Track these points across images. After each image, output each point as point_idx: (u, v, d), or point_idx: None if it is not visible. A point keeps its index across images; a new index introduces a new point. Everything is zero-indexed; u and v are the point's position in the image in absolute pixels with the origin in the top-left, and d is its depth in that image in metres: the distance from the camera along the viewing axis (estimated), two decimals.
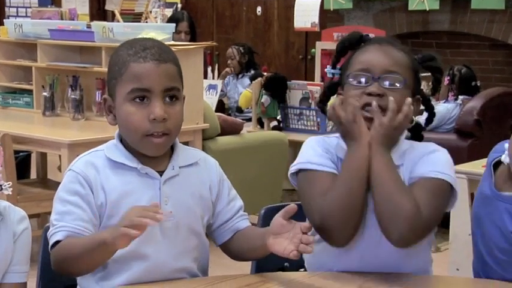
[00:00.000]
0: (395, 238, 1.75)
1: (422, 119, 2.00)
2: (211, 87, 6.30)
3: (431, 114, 2.00)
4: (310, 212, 1.81)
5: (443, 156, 1.88)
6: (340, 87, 1.93)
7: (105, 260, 1.74)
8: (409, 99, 1.83)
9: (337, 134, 1.90)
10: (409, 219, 1.73)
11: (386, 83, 1.83)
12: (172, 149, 1.88)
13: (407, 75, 1.87)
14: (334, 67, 2.01)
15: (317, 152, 1.88)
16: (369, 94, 1.82)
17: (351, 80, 1.86)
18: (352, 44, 1.94)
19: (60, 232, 1.75)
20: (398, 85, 1.84)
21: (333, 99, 1.96)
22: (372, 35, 2.01)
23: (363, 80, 1.85)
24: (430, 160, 1.85)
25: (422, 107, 2.00)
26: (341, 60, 1.99)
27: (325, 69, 2.15)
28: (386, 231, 1.76)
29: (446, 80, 5.66)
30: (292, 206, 1.74)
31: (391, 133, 1.81)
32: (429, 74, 2.01)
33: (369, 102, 1.82)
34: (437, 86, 2.01)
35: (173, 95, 1.80)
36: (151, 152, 1.81)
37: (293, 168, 1.89)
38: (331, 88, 2.00)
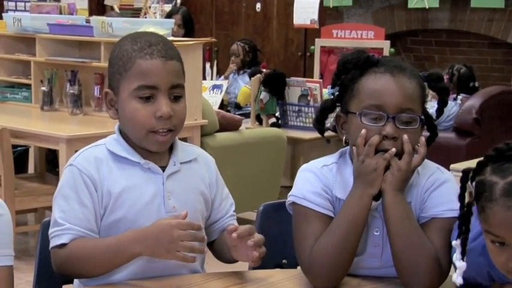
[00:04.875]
0: None
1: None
2: (216, 87, 6.27)
3: (434, 134, 1.87)
4: (301, 250, 1.77)
5: (450, 187, 1.80)
6: (342, 111, 1.82)
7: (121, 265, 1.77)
8: (423, 140, 1.76)
9: (337, 158, 1.84)
10: (429, 274, 1.70)
11: (401, 121, 1.74)
12: (171, 144, 1.88)
13: (420, 107, 1.78)
14: (334, 86, 1.85)
15: (315, 188, 1.80)
16: (385, 136, 1.73)
17: (363, 117, 1.74)
18: (358, 66, 1.79)
19: (66, 235, 1.75)
20: (414, 126, 1.75)
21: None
22: (376, 55, 1.83)
23: (376, 118, 1.74)
24: (438, 195, 1.78)
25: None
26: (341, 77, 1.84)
27: (326, 92, 1.98)
28: (406, 284, 1.72)
29: (445, 79, 5.66)
30: (230, 228, 1.74)
31: (409, 177, 1.75)
32: None
33: (386, 149, 1.73)
34: (443, 108, 1.90)
35: (178, 92, 1.81)
36: (155, 148, 1.81)
37: (289, 199, 1.83)
38: (329, 108, 1.87)
